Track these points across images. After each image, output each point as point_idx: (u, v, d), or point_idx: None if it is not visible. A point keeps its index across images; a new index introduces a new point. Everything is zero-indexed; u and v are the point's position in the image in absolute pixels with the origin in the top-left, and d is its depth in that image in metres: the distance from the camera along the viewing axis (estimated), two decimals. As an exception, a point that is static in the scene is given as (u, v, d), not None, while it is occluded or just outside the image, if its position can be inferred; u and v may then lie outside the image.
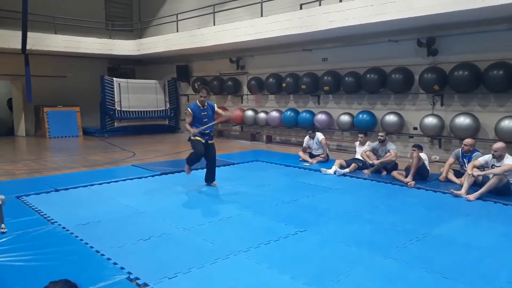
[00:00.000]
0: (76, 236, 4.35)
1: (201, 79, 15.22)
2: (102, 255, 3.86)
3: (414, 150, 6.98)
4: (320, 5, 10.12)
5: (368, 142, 8.24)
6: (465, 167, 6.63)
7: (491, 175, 5.94)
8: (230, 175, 7.63)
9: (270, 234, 4.44)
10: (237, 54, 13.83)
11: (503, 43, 8.36)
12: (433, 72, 9.09)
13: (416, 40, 9.40)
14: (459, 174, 6.88)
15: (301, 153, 9.05)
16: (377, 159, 7.62)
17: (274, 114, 12.57)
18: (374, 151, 7.79)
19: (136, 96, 15.14)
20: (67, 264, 3.64)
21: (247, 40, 11.57)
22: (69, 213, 5.16)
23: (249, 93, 13.72)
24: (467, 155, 6.79)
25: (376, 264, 3.69)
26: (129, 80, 15.46)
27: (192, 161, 6.55)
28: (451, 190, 6.13)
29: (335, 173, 7.64)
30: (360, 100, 10.95)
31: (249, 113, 13.39)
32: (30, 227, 4.56)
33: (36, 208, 5.42)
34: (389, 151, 7.56)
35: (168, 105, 16.00)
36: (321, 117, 11.29)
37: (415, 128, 9.86)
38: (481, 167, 6.30)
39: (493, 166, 6.09)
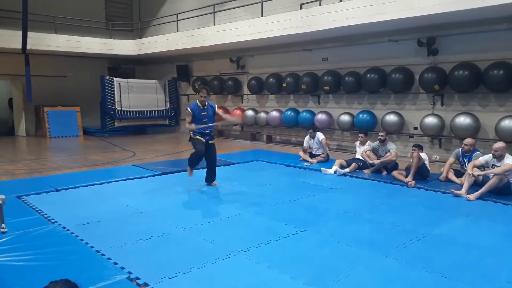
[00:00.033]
0: (77, 236, 4.35)
1: (201, 78, 15.22)
2: (103, 255, 3.86)
3: (414, 150, 6.99)
4: (320, 4, 10.11)
5: (368, 142, 8.24)
6: (465, 167, 6.63)
7: (491, 175, 5.94)
8: (230, 175, 7.63)
9: (270, 234, 4.44)
10: (237, 54, 13.83)
11: (503, 43, 8.36)
12: (433, 72, 9.09)
13: (416, 40, 9.40)
14: (459, 174, 6.87)
15: (301, 153, 9.05)
16: (377, 159, 7.62)
17: (274, 114, 12.57)
18: (374, 151, 7.79)
19: (137, 96, 15.13)
20: (68, 264, 3.64)
21: (247, 40, 11.57)
22: (70, 213, 5.16)
23: (249, 92, 13.72)
24: (468, 154, 6.79)
25: (376, 263, 3.69)
26: (129, 80, 15.45)
27: (193, 161, 6.55)
28: (452, 190, 6.13)
29: (335, 173, 7.64)
30: (360, 100, 10.95)
31: (250, 112, 13.39)
32: (30, 227, 4.56)
33: (37, 208, 5.42)
34: (389, 151, 7.56)
35: (168, 105, 16.00)
36: (321, 117, 11.29)
37: (415, 128, 9.86)
38: (482, 167, 6.30)
39: (494, 166, 6.09)
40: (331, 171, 7.71)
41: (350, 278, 3.39)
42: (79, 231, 4.49)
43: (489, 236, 4.44)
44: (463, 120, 8.68)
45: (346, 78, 10.63)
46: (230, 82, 14.06)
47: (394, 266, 3.64)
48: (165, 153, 10.68)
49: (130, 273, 3.46)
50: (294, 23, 10.21)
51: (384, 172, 7.53)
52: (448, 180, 6.84)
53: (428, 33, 9.27)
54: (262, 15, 11.34)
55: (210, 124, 6.43)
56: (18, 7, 11.05)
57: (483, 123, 8.68)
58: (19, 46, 11.83)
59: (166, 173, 7.70)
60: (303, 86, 11.59)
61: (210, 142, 6.53)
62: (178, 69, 15.93)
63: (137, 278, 3.39)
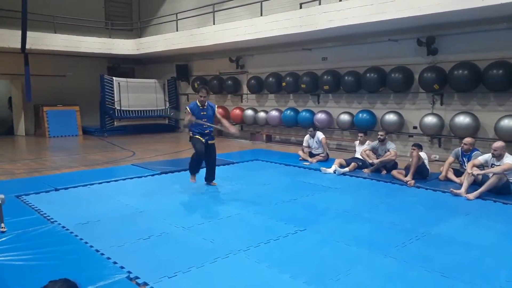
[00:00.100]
0: (76, 235, 4.35)
1: (200, 78, 15.21)
2: (102, 254, 3.86)
3: (413, 149, 6.99)
4: (320, 4, 10.11)
5: (368, 141, 8.24)
6: (465, 166, 6.63)
7: (490, 174, 5.94)
8: (230, 174, 7.63)
9: (269, 233, 4.44)
10: (237, 54, 13.83)
11: (503, 42, 8.36)
12: (433, 71, 9.09)
13: (416, 39, 9.40)
14: (458, 173, 6.88)
15: (300, 152, 9.05)
16: (377, 158, 7.62)
17: (274, 113, 12.57)
18: (373, 150, 7.79)
19: (136, 95, 15.13)
20: (67, 263, 3.64)
21: (247, 40, 11.56)
22: (69, 212, 5.16)
23: (249, 92, 13.71)
24: (467, 154, 6.79)
25: (376, 263, 3.69)
26: (129, 80, 15.45)
27: (194, 166, 6.50)
28: (451, 189, 6.14)
29: (334, 172, 7.64)
30: (360, 99, 10.95)
31: (249, 112, 13.39)
32: (29, 227, 4.56)
33: (36, 207, 5.42)
34: (388, 150, 7.56)
35: (167, 105, 15.99)
36: (321, 116, 11.29)
37: (414, 127, 9.86)
38: (481, 166, 6.30)
39: (493, 165, 6.09)
40: (331, 170, 7.70)
41: (350, 278, 3.39)
42: (78, 231, 4.49)
43: (488, 235, 4.44)
44: (463, 120, 8.68)
45: (346, 78, 10.63)
46: (229, 82, 14.05)
47: (394, 266, 3.64)
48: (164, 153, 10.68)
49: (129, 272, 3.46)
50: (294, 22, 10.20)
51: (384, 172, 7.53)
52: (447, 179, 6.85)
53: (427, 32, 9.27)
54: (261, 15, 11.33)
55: (209, 124, 6.42)
56: (17, 7, 11.05)
57: (483, 122, 8.69)
58: (19, 45, 11.83)
59: (166, 173, 7.70)
60: (303, 86, 11.59)
61: (209, 142, 6.52)
62: (177, 68, 15.93)
63: (137, 278, 3.39)
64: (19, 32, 11.55)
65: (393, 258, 3.78)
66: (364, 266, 3.62)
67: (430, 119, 9.24)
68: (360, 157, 8.02)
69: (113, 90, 14.61)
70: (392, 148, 7.58)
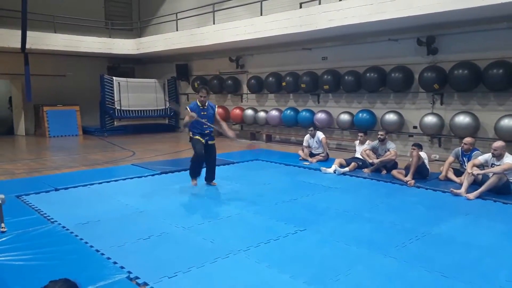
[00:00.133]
0: (76, 235, 4.35)
1: (200, 78, 15.21)
2: (102, 254, 3.86)
3: (413, 149, 6.99)
4: (320, 4, 10.10)
5: (368, 141, 8.24)
6: (465, 166, 6.63)
7: (490, 174, 5.94)
8: (230, 174, 7.63)
9: (269, 233, 4.44)
10: (237, 53, 13.82)
11: (503, 42, 8.36)
12: (433, 71, 9.09)
13: (416, 39, 9.40)
14: (458, 173, 6.88)
15: (300, 152, 9.05)
16: (377, 158, 7.62)
17: (274, 113, 12.57)
18: (374, 150, 7.79)
19: (136, 95, 15.13)
20: (67, 263, 3.64)
21: (247, 39, 11.56)
22: (69, 212, 5.16)
23: (249, 92, 13.71)
24: (467, 154, 6.79)
25: (376, 263, 3.69)
26: (129, 79, 15.45)
27: (194, 171, 6.41)
28: (451, 189, 6.14)
29: (334, 172, 7.64)
30: (360, 99, 10.95)
31: (249, 112, 13.39)
32: (30, 226, 4.56)
33: (36, 207, 5.42)
34: (388, 150, 7.56)
35: (167, 104, 15.99)
36: (321, 116, 11.29)
37: (415, 127, 9.86)
38: (481, 166, 6.30)
39: (493, 165, 6.09)
40: (331, 170, 7.70)
41: (350, 278, 3.39)
42: (78, 231, 4.49)
43: (488, 235, 4.44)
44: (463, 119, 8.68)
45: (346, 77, 10.63)
46: (229, 82, 14.05)
47: (394, 265, 3.64)
48: (164, 153, 10.68)
49: (129, 272, 3.46)
50: (294, 22, 10.20)
51: (384, 171, 7.53)
52: (447, 179, 6.85)
53: (427, 32, 9.27)
54: (261, 14, 11.33)
55: (209, 124, 6.40)
56: (17, 7, 11.04)
57: (483, 122, 8.69)
58: (19, 45, 11.82)
59: (166, 173, 7.70)
60: (303, 85, 11.58)
61: (210, 142, 6.50)
62: (177, 68, 15.92)
63: (137, 278, 3.39)
64: (19, 32, 11.55)
65: (393, 258, 3.78)
66: (364, 266, 3.63)
67: (430, 119, 9.24)
68: (360, 157, 8.02)
69: (113, 90, 14.61)
70: (392, 148, 7.58)
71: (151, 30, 16.87)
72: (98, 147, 11.98)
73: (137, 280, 3.35)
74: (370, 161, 7.65)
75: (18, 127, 15.37)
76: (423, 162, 6.96)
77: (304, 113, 11.74)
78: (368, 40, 10.45)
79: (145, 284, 3.30)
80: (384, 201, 5.81)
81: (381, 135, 7.65)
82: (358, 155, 8.20)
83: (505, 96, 8.44)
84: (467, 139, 6.85)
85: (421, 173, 6.92)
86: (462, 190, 6.00)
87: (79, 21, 14.79)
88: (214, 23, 12.85)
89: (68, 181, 6.85)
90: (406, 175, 6.86)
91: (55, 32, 14.11)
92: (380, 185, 6.85)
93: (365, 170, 7.67)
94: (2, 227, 4.41)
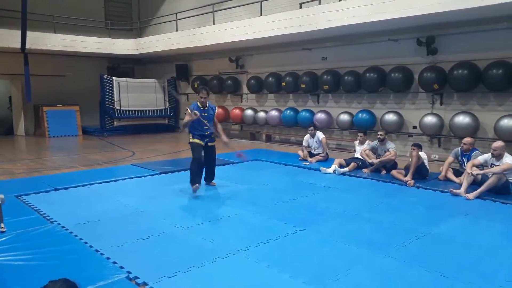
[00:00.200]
0: (76, 235, 4.35)
1: (200, 78, 15.21)
2: (102, 254, 3.86)
3: (413, 149, 6.99)
4: (319, 4, 10.11)
5: (367, 141, 8.24)
6: (465, 166, 6.63)
7: (490, 174, 5.94)
8: (229, 174, 7.63)
9: (269, 233, 4.44)
10: (237, 53, 13.83)
11: (502, 42, 8.36)
12: (432, 71, 9.09)
13: (415, 39, 9.40)
14: (458, 173, 6.88)
15: (300, 152, 9.05)
16: (377, 158, 7.62)
17: (274, 113, 12.57)
18: (373, 150, 7.79)
19: (136, 95, 15.13)
20: (67, 263, 3.64)
21: (246, 39, 11.56)
22: (69, 212, 5.16)
23: (248, 92, 13.72)
24: (467, 154, 6.79)
25: (375, 263, 3.70)
26: (129, 79, 15.44)
27: (194, 177, 6.17)
28: (450, 189, 6.14)
29: (334, 172, 7.64)
30: (359, 99, 10.95)
31: (249, 112, 13.40)
32: (29, 226, 4.56)
33: (36, 207, 5.41)
34: (388, 150, 7.56)
35: (167, 104, 15.99)
36: (320, 116, 11.29)
37: (414, 127, 9.86)
38: (480, 166, 6.30)
39: (492, 165, 6.09)
40: (330, 170, 7.71)
41: (349, 277, 3.40)
42: (78, 231, 4.49)
43: (488, 235, 4.44)
44: (462, 119, 8.68)
45: (346, 78, 10.63)
46: (229, 82, 14.05)
47: (393, 265, 3.64)
48: (164, 153, 10.68)
49: (129, 272, 3.46)
50: (293, 22, 10.20)
51: (383, 171, 7.53)
52: (447, 179, 6.85)
53: (427, 32, 9.27)
54: (261, 15, 11.33)
55: (209, 126, 6.35)
56: (17, 7, 11.04)
57: (482, 122, 8.69)
58: (18, 45, 11.82)
59: (165, 173, 7.70)
60: (303, 86, 11.59)
61: (209, 144, 6.45)
62: (177, 68, 15.92)
63: (136, 278, 3.39)
64: (19, 32, 11.55)
65: (392, 258, 3.78)
66: (364, 266, 3.63)
67: (430, 119, 9.24)
68: (360, 157, 8.02)
69: (113, 90, 14.60)
70: (392, 148, 7.58)
71: (151, 30, 16.88)
72: (98, 147, 11.97)
73: (136, 280, 3.35)
74: (370, 161, 7.65)
75: (17, 127, 15.37)
76: (423, 162, 6.96)
77: (303, 113, 11.74)
78: (367, 40, 10.46)
79: (145, 284, 3.30)
80: (383, 201, 5.81)
81: (380, 135, 7.66)
82: (357, 155, 8.20)
83: (505, 96, 8.44)
84: (467, 139, 6.85)
85: (420, 173, 6.92)
86: (462, 190, 6.00)
87: (79, 21, 14.79)
88: (214, 23, 12.86)
89: (67, 181, 6.85)
90: (405, 175, 6.86)
91: (55, 32, 14.12)
92: (380, 185, 6.85)
93: (365, 170, 7.67)
94: (2, 227, 4.41)
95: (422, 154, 7.06)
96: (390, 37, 9.88)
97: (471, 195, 5.83)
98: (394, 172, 7.17)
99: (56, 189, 6.35)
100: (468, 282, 3.30)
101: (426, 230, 4.53)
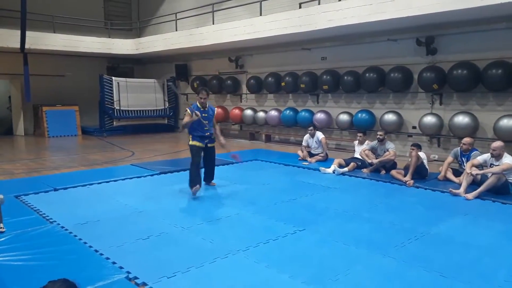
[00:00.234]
0: (75, 236, 4.35)
1: (200, 78, 15.21)
2: (101, 254, 3.86)
3: (413, 149, 6.99)
4: (319, 4, 10.12)
5: (367, 141, 8.24)
6: (464, 166, 6.64)
7: (489, 174, 5.95)
8: (229, 174, 7.63)
9: (269, 233, 4.44)
10: (236, 53, 13.83)
11: (502, 42, 8.37)
12: (432, 71, 9.10)
13: (415, 39, 9.40)
14: (457, 173, 6.89)
15: (300, 152, 9.05)
16: (376, 158, 7.63)
17: (273, 113, 12.57)
18: (373, 150, 7.79)
19: (135, 95, 15.12)
20: (66, 263, 3.64)
21: (246, 39, 11.56)
22: (68, 213, 5.16)
23: (248, 92, 13.72)
24: (466, 154, 6.80)
25: (375, 263, 3.70)
26: (128, 79, 15.43)
27: (193, 180, 6.08)
28: (450, 189, 6.14)
29: (334, 172, 7.64)
30: (359, 99, 10.95)
31: (248, 112, 13.40)
32: (29, 227, 4.56)
33: (35, 207, 5.41)
34: (388, 150, 7.56)
35: (167, 104, 15.98)
36: (320, 116, 11.29)
37: (414, 127, 9.87)
38: (480, 166, 6.31)
39: (492, 165, 6.09)
40: (330, 170, 7.71)
41: (349, 277, 3.40)
42: (77, 231, 4.49)
43: (487, 235, 4.44)
44: (462, 119, 8.69)
45: (345, 78, 10.64)
46: (229, 82, 14.04)
47: (393, 265, 3.64)
48: (163, 153, 10.68)
49: (128, 272, 3.46)
50: (293, 22, 10.20)
51: (383, 172, 7.53)
52: (446, 179, 6.85)
53: (427, 32, 9.28)
54: (260, 15, 11.33)
55: (209, 127, 6.33)
56: (17, 6, 11.03)
57: (482, 122, 8.69)
58: (18, 45, 11.79)
59: (165, 173, 7.70)
60: (302, 86, 11.59)
61: (209, 145, 6.43)
62: (176, 68, 15.92)
63: (136, 278, 3.39)
64: (18, 32, 11.52)
65: (392, 258, 3.78)
66: (363, 266, 3.63)
67: (429, 119, 9.25)
68: (359, 157, 8.03)
69: (112, 90, 14.59)
70: (391, 148, 7.58)
71: (151, 30, 16.87)
72: (97, 147, 11.97)
73: (136, 280, 3.35)
74: (369, 161, 7.66)
75: (17, 127, 15.36)
76: (422, 162, 6.97)
77: (303, 113, 11.74)
78: (367, 40, 10.46)
79: (144, 284, 3.30)
80: (383, 201, 5.81)
81: (380, 135, 7.66)
82: (357, 155, 8.20)
83: (504, 96, 8.45)
84: (466, 139, 6.86)
85: (420, 173, 6.92)
86: (461, 190, 6.00)
87: (79, 21, 14.79)
88: (213, 23, 12.85)
89: (67, 181, 6.85)
90: (405, 175, 6.87)
91: (54, 32, 14.11)
92: (379, 185, 6.85)
93: (364, 170, 7.67)
94: (1, 227, 4.41)
95: (422, 154, 7.06)
96: (390, 37, 9.88)
97: (470, 195, 5.83)
98: (393, 172, 7.17)
99: (55, 189, 6.35)
100: (467, 282, 3.30)
101: (426, 230, 4.53)
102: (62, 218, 4.89)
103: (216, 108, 6.74)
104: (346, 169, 7.74)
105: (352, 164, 7.83)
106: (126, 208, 5.42)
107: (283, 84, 12.20)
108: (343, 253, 3.93)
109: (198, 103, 6.32)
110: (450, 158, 7.03)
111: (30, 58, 12.25)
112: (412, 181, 6.69)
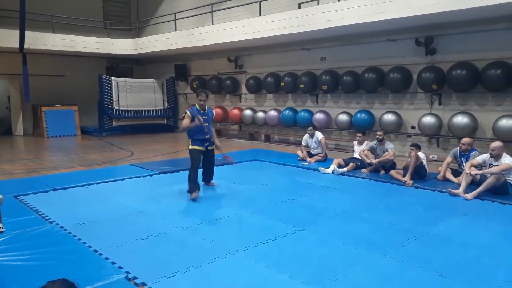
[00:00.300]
0: (74, 236, 4.35)
1: (199, 78, 15.20)
2: (100, 254, 3.85)
3: (412, 149, 7.00)
4: (318, 4, 10.12)
5: (366, 141, 8.24)
6: (463, 166, 6.65)
7: (488, 174, 5.95)
8: (228, 175, 7.63)
9: (268, 233, 4.44)
10: (235, 53, 13.83)
11: (501, 42, 8.37)
12: (431, 71, 9.11)
13: (414, 39, 9.41)
14: (457, 173, 6.89)
15: (299, 152, 9.05)
16: (375, 158, 7.63)
17: (273, 113, 12.57)
18: (372, 150, 7.80)
19: (134, 95, 15.11)
20: (65, 263, 3.63)
21: (245, 39, 11.56)
22: (67, 213, 5.16)
23: (247, 92, 13.72)
24: (465, 154, 6.81)
25: (374, 263, 3.70)
26: (127, 79, 15.42)
27: (192, 187, 5.97)
28: (449, 189, 6.15)
29: (333, 172, 7.65)
30: (358, 99, 10.96)
31: (248, 112, 13.40)
32: (28, 227, 4.56)
33: (34, 207, 5.41)
34: (387, 150, 7.57)
35: (166, 104, 15.97)
36: (319, 116, 11.30)
37: (413, 127, 9.87)
38: (479, 166, 6.31)
39: (491, 165, 6.10)
40: (329, 170, 7.71)
41: (348, 277, 3.40)
42: (77, 231, 4.49)
43: (486, 235, 4.45)
44: (461, 120, 8.70)
45: (344, 78, 10.64)
46: (228, 82, 14.04)
47: (392, 265, 3.65)
48: (163, 153, 10.68)
49: (128, 272, 3.46)
50: (292, 22, 10.21)
51: (382, 172, 7.54)
52: (445, 179, 6.86)
53: (426, 32, 9.28)
54: (260, 15, 11.33)
55: (208, 129, 6.31)
56: (16, 6, 11.02)
57: (481, 122, 8.70)
58: (17, 45, 11.80)
59: (164, 173, 7.69)
60: (301, 86, 11.59)
61: (209, 148, 6.41)
62: (176, 68, 15.91)
63: (135, 278, 3.38)
64: (18, 32, 11.52)
65: (391, 258, 3.78)
66: (362, 266, 3.63)
67: (429, 119, 9.25)
68: (359, 157, 8.03)
69: (111, 90, 14.58)
70: (391, 148, 7.59)
71: (150, 30, 16.86)
72: (97, 147, 11.96)
73: (135, 280, 3.35)
74: (369, 161, 7.66)
75: (16, 127, 15.34)
76: (421, 162, 6.97)
77: (302, 113, 11.74)
78: (366, 41, 10.47)
79: (143, 284, 3.30)
80: (382, 201, 5.82)
81: (379, 135, 7.67)
82: (356, 155, 8.21)
83: (503, 97, 8.46)
84: (465, 139, 6.87)
85: (419, 173, 6.92)
86: (460, 190, 6.01)
87: (78, 21, 14.77)
88: (212, 23, 12.85)
89: (66, 181, 6.85)
90: (404, 175, 6.87)
91: (54, 32, 14.09)
92: (379, 185, 6.85)
93: (364, 170, 7.68)
94: (0, 227, 4.41)
95: (421, 154, 7.07)
96: (389, 37, 9.89)
97: (469, 195, 5.84)
98: (392, 172, 7.18)
99: (54, 189, 6.34)
100: (466, 282, 3.30)
101: (425, 230, 4.53)
102: (61, 218, 4.89)
103: (214, 111, 6.69)
104: (345, 169, 7.75)
105: (351, 164, 7.84)
106: (125, 208, 5.42)
107: (282, 84, 12.20)
108: (342, 253, 3.94)
109: (197, 105, 6.28)
110: (449, 158, 7.03)
111: (29, 58, 12.26)
112: (411, 181, 6.69)
